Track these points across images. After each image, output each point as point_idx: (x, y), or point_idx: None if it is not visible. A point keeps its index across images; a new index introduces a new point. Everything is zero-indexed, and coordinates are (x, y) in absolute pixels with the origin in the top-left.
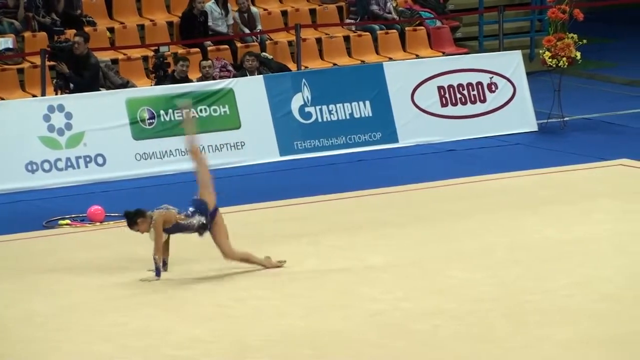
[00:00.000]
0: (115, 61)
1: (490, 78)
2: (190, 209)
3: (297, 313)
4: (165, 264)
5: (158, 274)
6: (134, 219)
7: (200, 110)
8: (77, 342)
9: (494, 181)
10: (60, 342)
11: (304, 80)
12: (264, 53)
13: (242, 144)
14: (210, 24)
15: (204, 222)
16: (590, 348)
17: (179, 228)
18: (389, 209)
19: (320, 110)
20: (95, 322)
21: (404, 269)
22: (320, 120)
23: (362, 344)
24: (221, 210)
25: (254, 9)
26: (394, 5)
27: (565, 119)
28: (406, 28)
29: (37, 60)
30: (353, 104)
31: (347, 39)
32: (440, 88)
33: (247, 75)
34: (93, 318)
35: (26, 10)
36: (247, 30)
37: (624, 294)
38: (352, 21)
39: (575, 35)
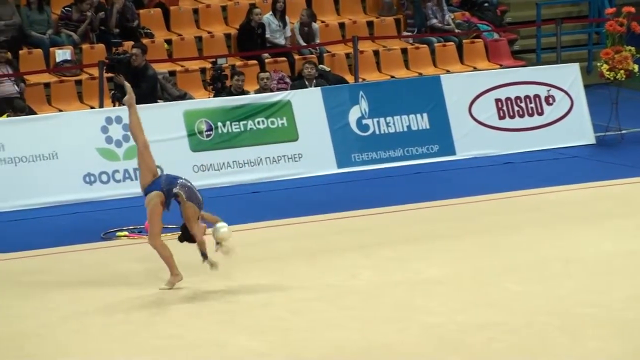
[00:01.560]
0: (172, 73)
1: (548, 91)
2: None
3: (353, 326)
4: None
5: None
6: None
7: (258, 123)
8: (132, 355)
9: (550, 194)
10: (115, 356)
11: (361, 92)
12: (321, 65)
13: (300, 156)
14: (268, 36)
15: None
16: None
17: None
18: (445, 222)
19: (378, 122)
20: (150, 335)
21: (459, 282)
22: (377, 132)
23: (416, 358)
24: (276, 222)
25: (314, 24)
26: (452, 17)
27: (622, 131)
28: (464, 40)
29: (95, 72)
30: (410, 116)
31: (404, 51)
32: (497, 100)
33: (305, 84)
34: (148, 330)
35: (89, 24)
36: (304, 43)
37: None
38: (410, 33)
39: (633, 48)
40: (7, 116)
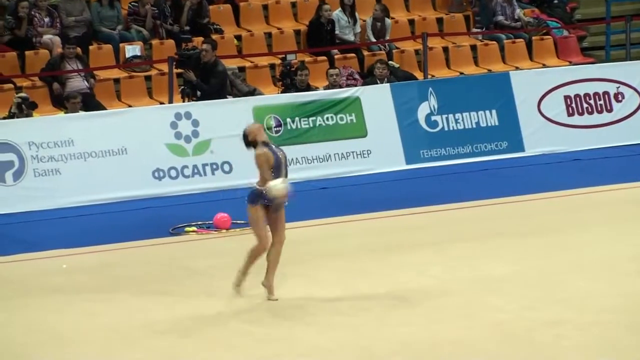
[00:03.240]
0: (242, 69)
1: (617, 88)
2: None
3: (420, 322)
4: None
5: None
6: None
7: (327, 119)
8: (201, 351)
9: (619, 191)
10: (183, 352)
11: (430, 88)
12: (391, 62)
13: (369, 152)
14: (337, 32)
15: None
16: None
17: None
18: (513, 219)
19: (447, 119)
20: (219, 331)
21: (527, 279)
22: (446, 129)
23: (484, 355)
24: (345, 218)
25: (387, 20)
26: (522, 13)
27: None
28: (533, 37)
29: (164, 67)
30: (479, 112)
31: (473, 47)
32: (566, 97)
33: (376, 83)
34: (216, 326)
35: (154, 18)
36: (374, 39)
37: None
38: (479, 30)
39: None
40: (65, 112)
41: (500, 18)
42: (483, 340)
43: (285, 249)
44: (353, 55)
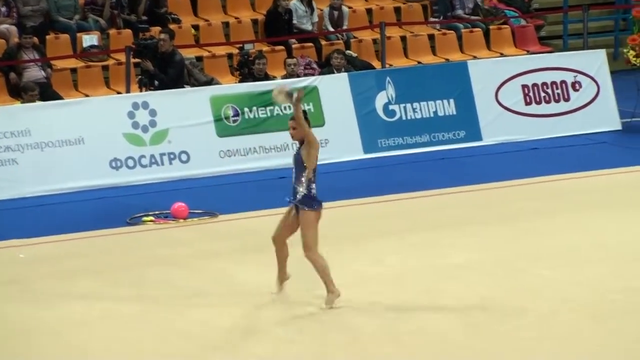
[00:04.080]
0: (199, 58)
1: (574, 77)
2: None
3: (378, 311)
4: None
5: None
6: None
7: (284, 108)
8: (159, 340)
9: (577, 180)
10: (142, 340)
11: (388, 78)
12: (348, 51)
13: (326, 141)
14: (295, 21)
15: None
16: None
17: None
18: (471, 207)
19: (404, 108)
20: (177, 320)
21: (486, 268)
22: (404, 118)
23: (444, 344)
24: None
25: (344, 8)
26: (480, 2)
27: None
28: (491, 26)
29: (122, 57)
30: (437, 102)
31: (431, 37)
32: (524, 86)
33: (334, 72)
34: (175, 315)
35: (112, 8)
36: (331, 28)
37: None
38: (437, 19)
39: None
40: (21, 102)
41: (459, 12)
42: (442, 329)
43: (244, 237)
44: (311, 44)
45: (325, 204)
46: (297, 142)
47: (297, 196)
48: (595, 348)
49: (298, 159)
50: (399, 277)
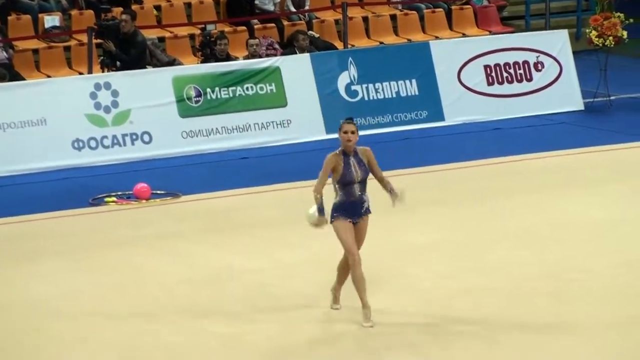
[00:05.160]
0: (161, 39)
1: (537, 57)
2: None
3: (342, 291)
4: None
5: (321, 211)
6: None
7: (247, 89)
8: (122, 319)
9: (539, 160)
10: (104, 319)
11: (350, 58)
12: (310, 32)
13: (289, 122)
14: (257, 2)
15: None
16: (636, 328)
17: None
18: (434, 188)
19: (367, 88)
20: (140, 300)
21: (448, 248)
22: (366, 98)
23: (405, 323)
24: (266, 188)
25: None
26: None
27: (611, 98)
28: (453, 7)
29: (83, 38)
30: (399, 82)
31: (393, 17)
32: (486, 67)
33: (296, 53)
34: (137, 296)
35: None
36: (293, 9)
37: None
38: (399, 0)
39: (622, 15)
40: None
41: None
42: (403, 308)
43: (206, 217)
44: (273, 25)
45: (287, 185)
46: (349, 152)
47: (365, 205)
48: (555, 326)
49: (362, 169)
50: (365, 257)
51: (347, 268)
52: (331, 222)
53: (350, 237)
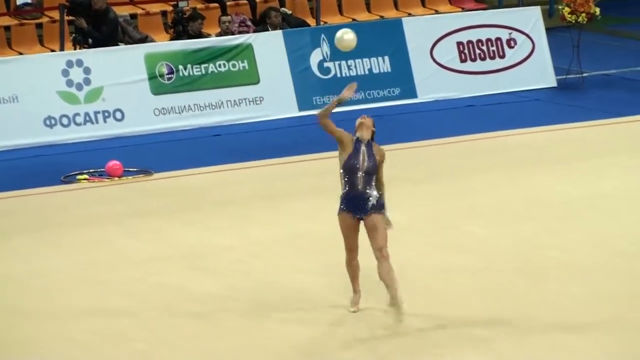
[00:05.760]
0: (134, 16)
1: (509, 34)
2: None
3: (312, 268)
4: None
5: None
6: None
7: (219, 66)
8: (94, 297)
9: (511, 137)
10: (77, 297)
11: (322, 35)
12: (283, 8)
13: (261, 99)
14: None
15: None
16: (605, 304)
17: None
18: (407, 165)
19: (339, 65)
20: (112, 278)
21: (421, 225)
22: (339, 75)
23: (378, 302)
24: (238, 165)
25: None
26: None
27: (584, 75)
28: None
29: (55, 15)
30: (372, 59)
31: None
32: (459, 44)
33: (268, 30)
34: (110, 273)
35: None
36: None
37: (639, 251)
38: None
39: None
40: None
41: None
42: (378, 287)
43: (179, 195)
44: (245, 2)
45: (260, 162)
46: (363, 139)
47: (371, 201)
48: (524, 302)
49: (371, 161)
50: (332, 234)
51: (382, 272)
52: (337, 215)
53: (348, 236)
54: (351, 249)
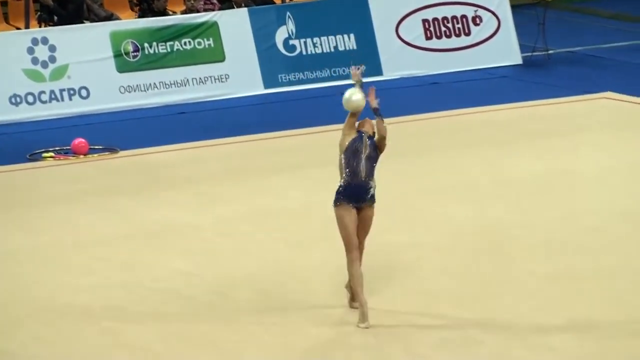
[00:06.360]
0: None
1: (475, 11)
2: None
3: (279, 246)
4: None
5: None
6: None
7: (185, 43)
8: (60, 276)
9: (477, 114)
10: (43, 277)
11: (288, 13)
12: None
13: (227, 76)
14: None
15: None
16: (575, 281)
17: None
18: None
19: (305, 43)
20: (78, 256)
21: (387, 203)
22: (304, 53)
23: (344, 277)
24: (204, 143)
25: None
26: None
27: (549, 52)
28: None
29: None
30: (337, 36)
31: None
32: (424, 21)
33: (233, 8)
34: (76, 252)
35: None
36: None
37: (608, 228)
38: None
39: None
40: None
41: None
42: (342, 262)
43: (144, 173)
44: None
45: (225, 140)
46: (365, 132)
47: (371, 192)
48: (493, 280)
49: (372, 151)
50: (300, 212)
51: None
52: (334, 206)
53: (351, 229)
54: (354, 247)
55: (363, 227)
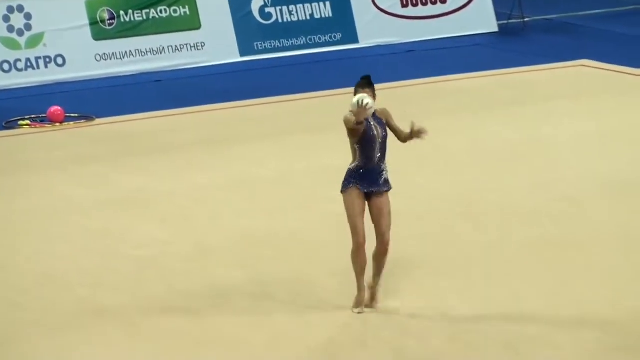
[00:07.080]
0: None
1: None
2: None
3: (256, 214)
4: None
5: None
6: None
7: (160, 11)
8: (37, 244)
9: (453, 82)
10: (20, 244)
11: None
12: None
13: (202, 44)
14: None
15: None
16: (549, 248)
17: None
18: (347, 110)
19: (281, 10)
20: (55, 224)
21: None
22: (280, 20)
23: (320, 245)
24: (180, 111)
25: None
26: None
27: (525, 19)
28: None
29: None
30: (313, 4)
31: None
32: None
33: None
34: (52, 220)
35: None
36: None
37: (582, 195)
38: None
39: None
40: None
41: None
42: (318, 230)
43: (121, 140)
44: None
45: (201, 107)
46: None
47: (384, 176)
48: (468, 247)
49: (383, 128)
50: (277, 180)
51: (378, 254)
52: (342, 191)
53: (358, 214)
54: (361, 232)
55: (382, 216)
